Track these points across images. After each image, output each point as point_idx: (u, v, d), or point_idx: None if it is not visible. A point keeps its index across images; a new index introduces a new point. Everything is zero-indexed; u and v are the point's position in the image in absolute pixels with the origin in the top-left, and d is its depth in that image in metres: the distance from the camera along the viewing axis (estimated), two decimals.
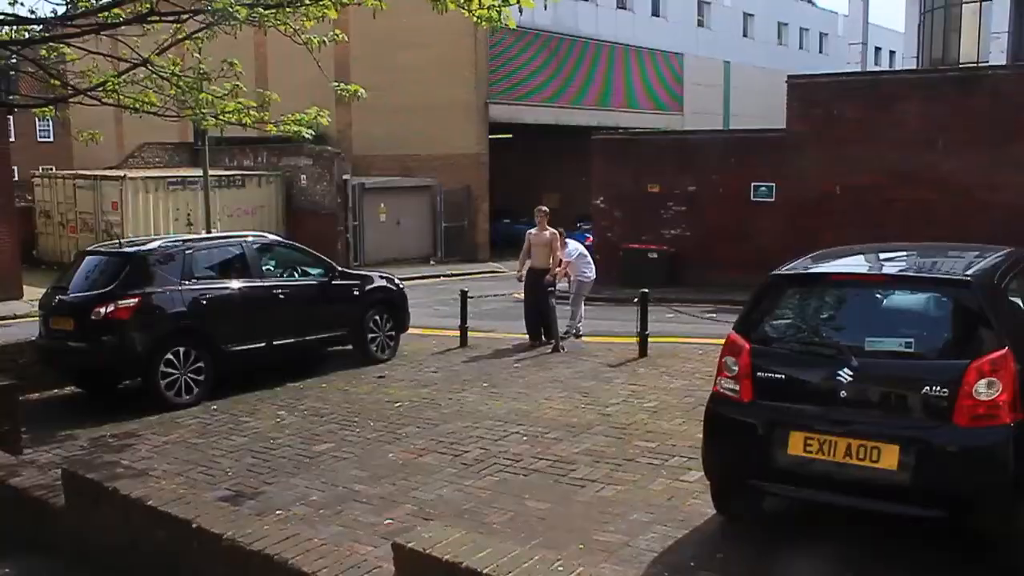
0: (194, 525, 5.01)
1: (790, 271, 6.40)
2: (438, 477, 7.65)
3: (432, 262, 30.86)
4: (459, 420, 9.49)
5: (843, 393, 5.49)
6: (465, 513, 6.74)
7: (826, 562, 5.66)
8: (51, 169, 34.81)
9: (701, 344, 13.45)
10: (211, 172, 24.46)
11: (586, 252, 15.11)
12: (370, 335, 12.87)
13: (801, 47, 52.53)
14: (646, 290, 13.22)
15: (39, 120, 43.32)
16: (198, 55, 11.12)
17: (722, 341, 6.32)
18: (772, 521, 6.47)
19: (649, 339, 12.80)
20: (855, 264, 6.80)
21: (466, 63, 31.67)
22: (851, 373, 5.46)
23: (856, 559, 5.69)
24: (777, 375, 5.85)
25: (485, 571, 3.68)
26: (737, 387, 5.94)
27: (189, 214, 27.73)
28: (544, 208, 14.17)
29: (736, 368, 5.96)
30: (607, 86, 37.38)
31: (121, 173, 28.42)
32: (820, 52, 53.70)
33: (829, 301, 6.25)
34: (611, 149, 24.21)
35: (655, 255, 22.12)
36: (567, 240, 14.71)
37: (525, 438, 8.70)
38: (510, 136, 33.30)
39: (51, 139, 46.59)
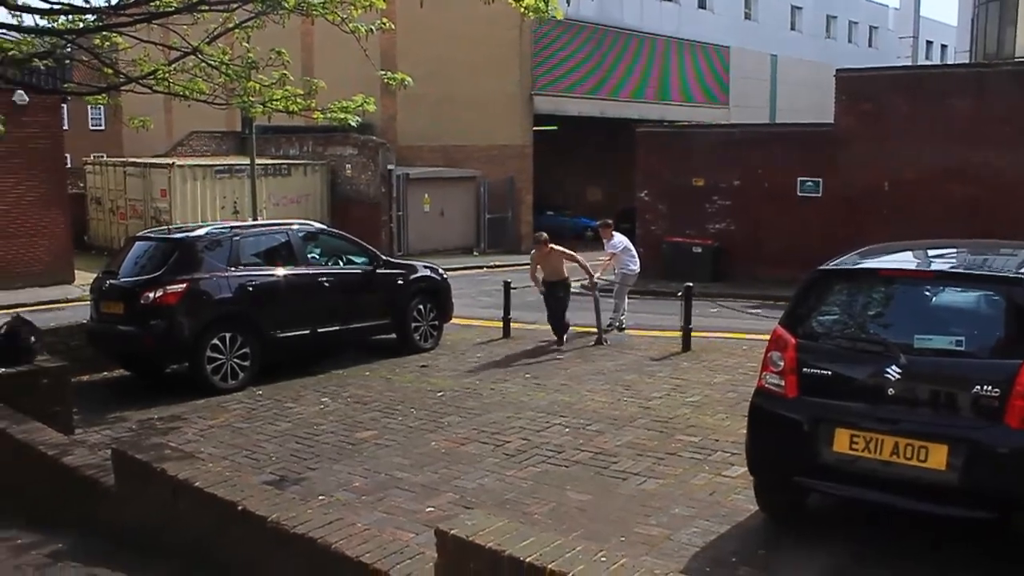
0: (240, 507, 5.07)
1: (837, 266, 6.33)
2: (480, 466, 7.68)
3: (475, 253, 30.90)
4: (501, 410, 9.53)
5: (891, 391, 5.42)
6: (506, 503, 6.76)
7: (868, 561, 5.61)
8: (102, 156, 35.29)
9: (745, 339, 13.38)
10: (257, 161, 24.72)
11: (631, 245, 15.06)
12: (413, 324, 12.96)
13: (850, 41, 51.75)
14: (690, 284, 13.14)
15: (91, 108, 43.96)
16: (247, 44, 11.23)
17: (766, 337, 6.27)
18: (816, 518, 6.42)
19: (692, 333, 12.74)
20: (904, 260, 6.69)
21: (511, 55, 31.60)
22: (899, 370, 5.39)
23: (898, 559, 5.63)
24: (823, 371, 5.78)
25: (528, 560, 3.67)
26: (782, 382, 5.89)
27: (235, 202, 28.05)
28: (543, 235, 13.68)
29: (782, 363, 5.91)
30: (652, 79, 37.10)
31: (169, 161, 28.79)
32: (869, 46, 52.87)
33: (877, 297, 6.17)
34: (656, 142, 24.08)
35: (699, 249, 21.98)
36: (613, 232, 14.66)
37: (567, 430, 8.71)
38: (555, 128, 33.19)
39: (102, 127, 47.28)
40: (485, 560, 3.81)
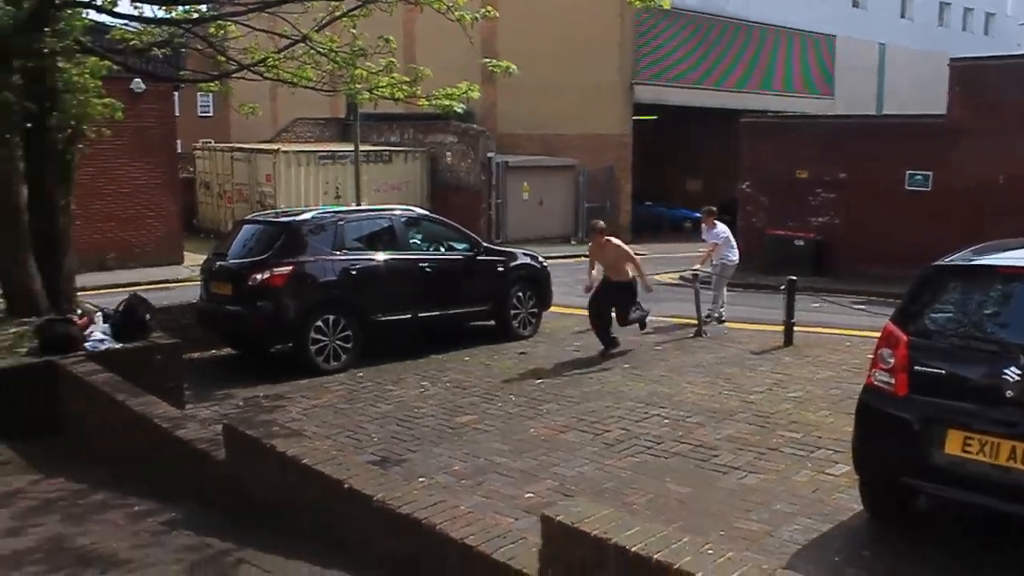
0: (346, 485, 5.19)
1: (953, 262, 6.16)
2: (579, 454, 7.70)
3: (573, 242, 30.79)
4: (600, 399, 9.52)
5: (1009, 393, 5.23)
6: (605, 492, 6.75)
7: (981, 569, 5.45)
8: (210, 142, 36.33)
9: (849, 335, 13.11)
10: (360, 147, 25.10)
11: (731, 236, 14.85)
12: (513, 311, 13.01)
13: (964, 29, 49.85)
14: (794, 278, 12.88)
15: (200, 96, 45.22)
16: (354, 31, 11.44)
17: (871, 333, 6.17)
18: (924, 522, 6.25)
19: (795, 328, 12.50)
20: (1023, 258, 6.45)
21: (612, 43, 31.40)
22: (1019, 372, 5.20)
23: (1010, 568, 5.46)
24: (936, 370, 5.63)
25: (633, 549, 3.68)
26: (893, 380, 5.75)
27: (338, 187, 28.54)
28: (599, 223, 12.70)
29: (892, 360, 5.78)
30: (755, 68, 36.40)
31: (275, 147, 29.45)
32: (985, 34, 50.82)
33: (994, 296, 5.95)
34: (759, 133, 23.67)
35: (801, 242, 21.56)
36: (715, 222, 14.46)
37: (667, 421, 8.66)
38: (655, 117, 32.87)
39: (211, 114, 48.53)
40: (590, 547, 3.83)
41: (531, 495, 6.72)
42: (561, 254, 26.11)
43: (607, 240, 12.25)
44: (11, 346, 8.98)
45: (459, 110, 11.23)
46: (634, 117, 32.18)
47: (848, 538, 5.99)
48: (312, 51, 11.38)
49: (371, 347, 11.51)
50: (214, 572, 5.17)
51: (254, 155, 28.80)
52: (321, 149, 30.04)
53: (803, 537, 5.95)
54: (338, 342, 11.17)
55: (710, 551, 3.70)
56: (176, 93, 25.20)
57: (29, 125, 9.89)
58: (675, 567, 3.55)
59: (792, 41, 37.71)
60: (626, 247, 12.50)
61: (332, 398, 9.90)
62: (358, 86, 11.62)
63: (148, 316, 9.51)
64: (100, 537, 5.81)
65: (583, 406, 9.26)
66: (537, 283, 13.47)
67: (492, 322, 13.07)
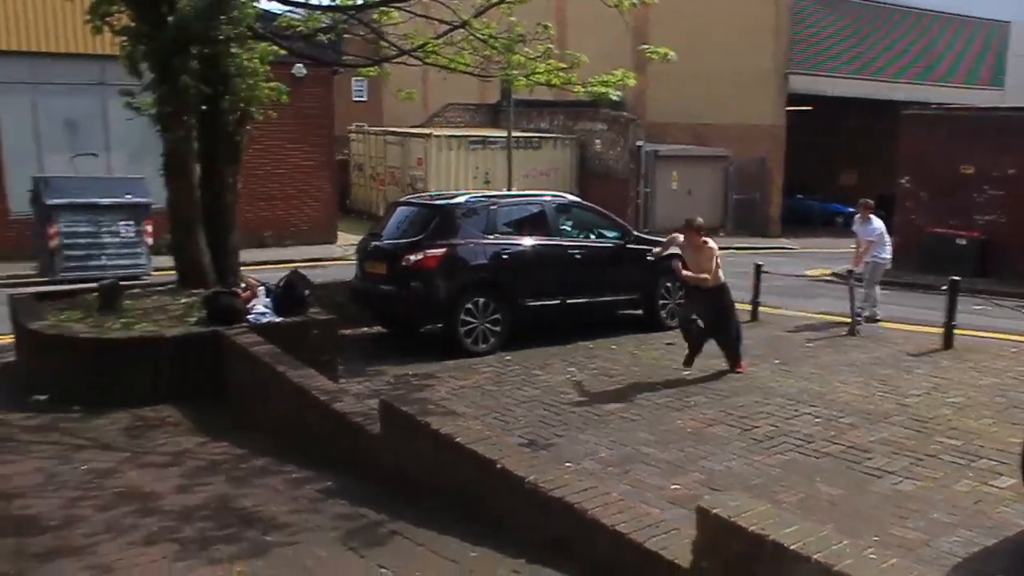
0: (499, 465, 5.29)
1: None
2: (727, 449, 7.60)
3: (721, 234, 30.14)
4: (749, 394, 9.36)
5: None
6: (754, 488, 6.63)
7: None
8: (363, 126, 37.30)
9: (1015, 341, 12.46)
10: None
11: (886, 232, 14.31)
12: (661, 302, 12.89)
13: None
14: (957, 278, 12.29)
15: (354, 81, 46.34)
16: (513, 18, 11.56)
17: None
18: None
19: (955, 330, 11.96)
20: None
21: (767, 31, 30.61)
22: None
23: None
24: None
25: (792, 547, 3.62)
26: None
27: (487, 172, 28.86)
28: (698, 219, 10.60)
29: None
30: (917, 58, 34.79)
31: (427, 131, 29.99)
32: None
33: None
34: (922, 126, 22.64)
35: (963, 241, 20.55)
36: (871, 216, 13.95)
37: (817, 420, 8.44)
38: (809, 108, 31.87)
39: (364, 98, 49.72)
40: (746, 542, 3.79)
41: (677, 487, 6.68)
42: None
43: (704, 241, 10.47)
44: (181, 316, 9.53)
45: (615, 97, 11.21)
46: (787, 107, 31.32)
47: (1014, 554, 5.73)
48: (470, 37, 11.58)
49: (519, 331, 11.61)
50: (368, 541, 5.34)
51: (407, 139, 29.42)
52: (471, 134, 30.43)
53: (963, 550, 5.71)
54: (487, 325, 11.32)
55: (872, 555, 3.60)
56: (333, 78, 25.95)
57: (204, 107, 10.42)
58: (835, 569, 3.48)
59: (960, 29, 35.91)
60: (718, 253, 10.59)
61: (480, 380, 10.05)
62: (514, 72, 11.75)
63: (307, 292, 9.92)
64: (261, 500, 6.10)
65: (731, 400, 9.12)
66: None
67: (640, 311, 12.98)
